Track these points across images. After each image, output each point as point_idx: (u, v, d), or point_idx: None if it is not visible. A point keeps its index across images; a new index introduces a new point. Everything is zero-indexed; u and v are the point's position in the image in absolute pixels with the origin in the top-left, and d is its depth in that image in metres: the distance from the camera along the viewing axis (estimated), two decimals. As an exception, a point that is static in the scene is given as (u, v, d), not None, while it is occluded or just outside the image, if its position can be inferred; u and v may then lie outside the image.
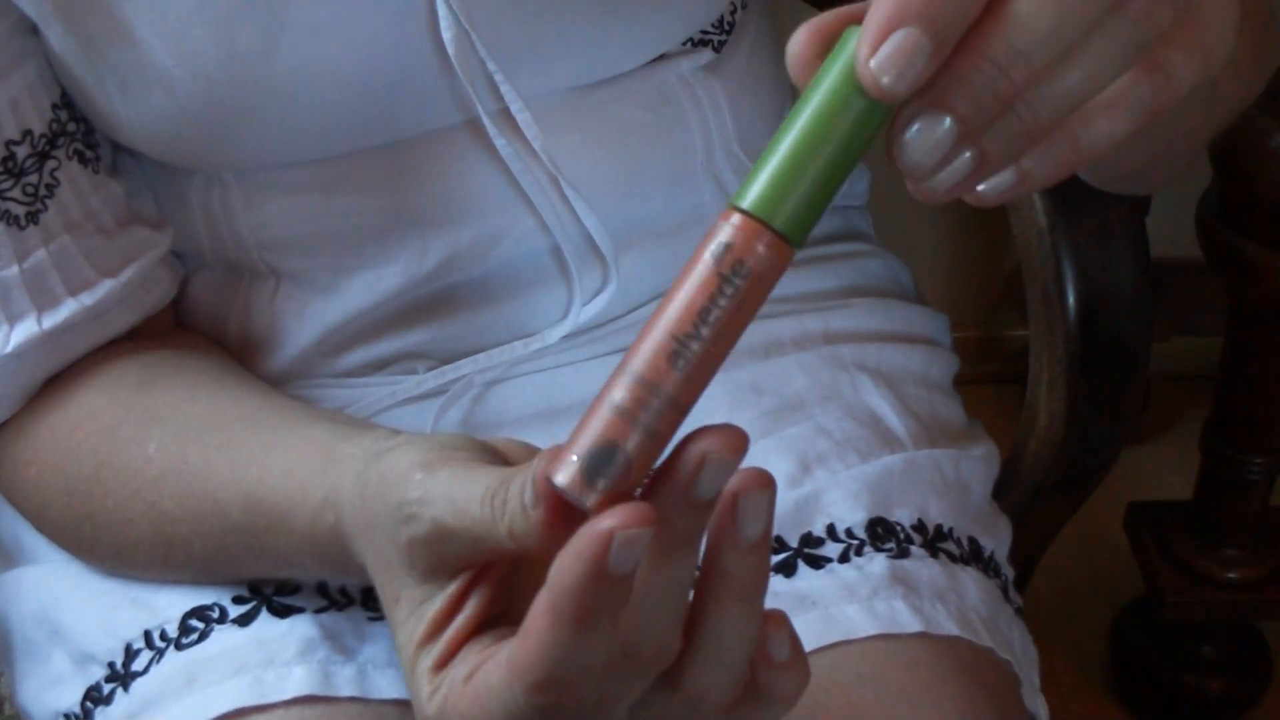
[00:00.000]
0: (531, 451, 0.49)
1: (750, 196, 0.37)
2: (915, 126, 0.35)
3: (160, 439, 0.62)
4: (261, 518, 0.57)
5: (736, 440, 0.37)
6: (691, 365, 0.37)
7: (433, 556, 0.45)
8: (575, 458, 0.37)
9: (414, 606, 0.46)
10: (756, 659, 0.42)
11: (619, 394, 0.37)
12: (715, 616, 0.41)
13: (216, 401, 0.64)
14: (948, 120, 0.35)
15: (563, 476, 0.37)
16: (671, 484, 0.38)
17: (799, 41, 0.37)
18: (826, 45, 0.37)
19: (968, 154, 0.36)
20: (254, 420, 0.61)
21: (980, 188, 0.37)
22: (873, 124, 0.36)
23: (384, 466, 0.48)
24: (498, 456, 0.48)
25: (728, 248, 0.37)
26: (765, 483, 0.39)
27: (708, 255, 0.37)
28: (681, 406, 0.37)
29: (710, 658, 0.41)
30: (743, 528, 0.39)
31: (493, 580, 0.45)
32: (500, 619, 0.46)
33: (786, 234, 0.37)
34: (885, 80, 0.34)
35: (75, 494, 0.64)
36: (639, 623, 0.40)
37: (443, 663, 0.44)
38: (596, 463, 0.37)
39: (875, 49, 0.34)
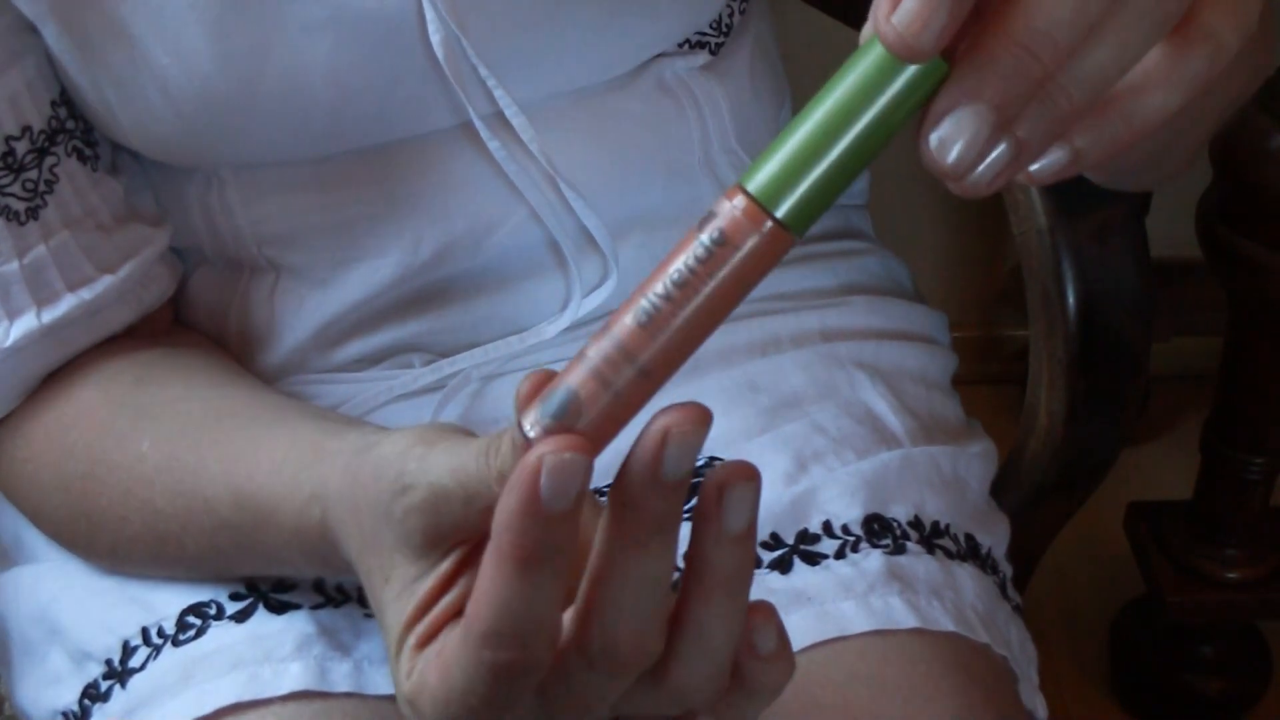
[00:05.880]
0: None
1: (751, 171, 0.36)
2: (949, 121, 0.34)
3: (153, 436, 0.62)
4: (250, 515, 0.57)
5: (698, 414, 0.37)
6: (651, 319, 0.37)
7: (428, 527, 0.44)
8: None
9: (405, 584, 0.45)
10: (742, 651, 0.42)
11: (588, 345, 0.38)
12: (699, 610, 0.40)
13: (209, 399, 0.64)
14: (983, 109, 0.34)
15: (525, 418, 0.38)
16: (638, 465, 0.37)
17: (866, 35, 0.36)
18: None
19: (1004, 144, 0.35)
20: (245, 417, 0.61)
21: (1033, 168, 0.37)
22: (898, 115, 0.35)
23: (377, 453, 0.47)
24: None
25: (710, 213, 0.37)
26: (750, 475, 0.38)
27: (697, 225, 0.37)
28: (630, 354, 0.37)
29: (695, 652, 0.41)
30: (727, 520, 0.38)
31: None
32: None
33: (762, 200, 0.36)
34: (909, 35, 0.33)
35: (71, 491, 0.64)
36: (617, 618, 0.39)
37: (425, 641, 0.44)
38: (546, 399, 0.38)
39: (896, 4, 0.33)
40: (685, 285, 0.36)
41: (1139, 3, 0.34)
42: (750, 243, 0.36)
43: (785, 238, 0.36)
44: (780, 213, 0.36)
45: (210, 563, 0.62)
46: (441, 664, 0.42)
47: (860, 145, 0.36)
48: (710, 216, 0.37)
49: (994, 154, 0.35)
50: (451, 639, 0.42)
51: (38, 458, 0.65)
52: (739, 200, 0.36)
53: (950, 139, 0.34)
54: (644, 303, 0.37)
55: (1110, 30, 0.34)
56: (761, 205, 0.36)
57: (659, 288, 0.37)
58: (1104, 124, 0.36)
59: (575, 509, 0.37)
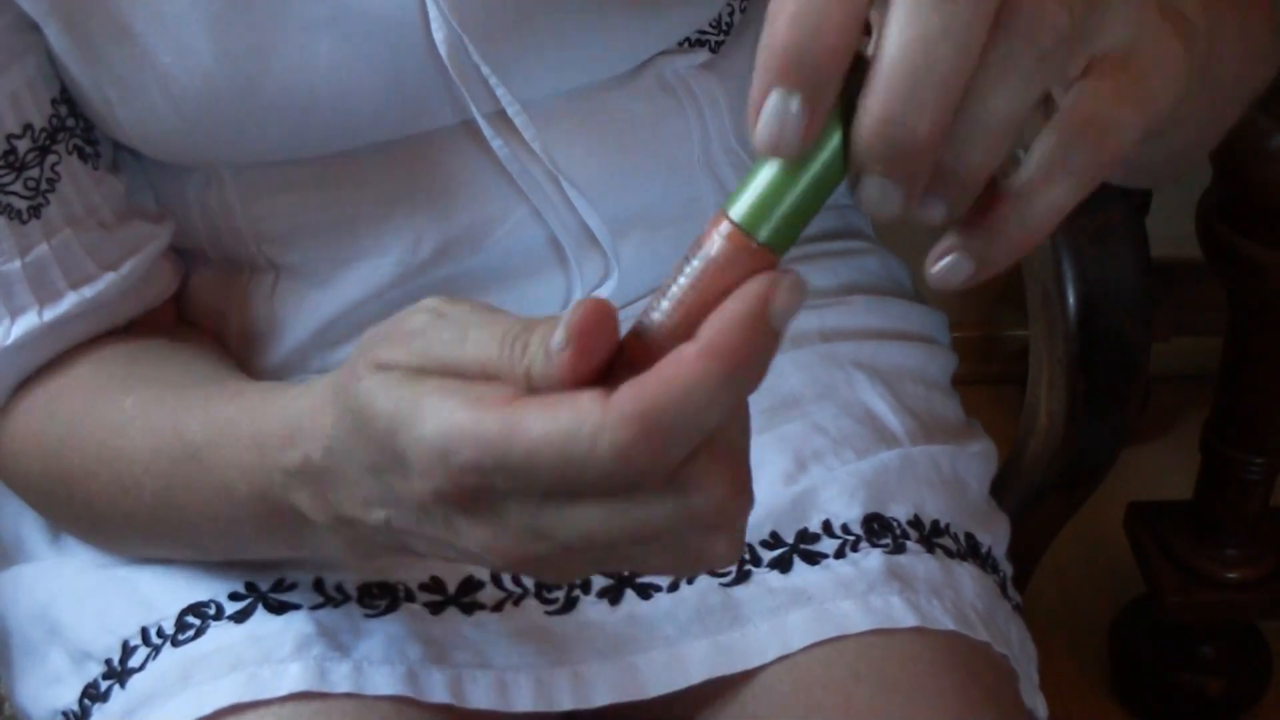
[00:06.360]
0: None
1: (733, 197, 0.38)
2: (861, 183, 0.35)
3: (138, 394, 0.62)
4: (216, 433, 0.56)
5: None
6: (650, 334, 0.39)
7: (429, 357, 0.43)
8: None
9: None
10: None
11: None
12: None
13: (205, 373, 0.65)
14: (879, 180, 0.35)
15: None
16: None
17: None
18: None
19: (934, 199, 0.35)
20: (241, 382, 0.62)
21: (943, 279, 0.37)
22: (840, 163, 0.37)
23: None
24: None
25: (698, 238, 0.38)
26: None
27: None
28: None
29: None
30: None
31: None
32: None
33: (745, 226, 0.37)
34: (769, 144, 0.34)
35: (48, 456, 0.64)
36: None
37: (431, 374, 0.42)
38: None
39: (757, 114, 0.34)
40: (674, 298, 0.39)
41: (1008, 53, 0.34)
42: (711, 242, 0.38)
43: (740, 238, 0.38)
44: (737, 216, 0.38)
45: (165, 511, 0.60)
46: (566, 414, 0.39)
47: (830, 167, 0.37)
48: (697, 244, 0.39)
49: (928, 206, 0.36)
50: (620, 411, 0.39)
51: (23, 431, 0.66)
52: (724, 226, 0.38)
53: (866, 198, 0.35)
54: (642, 318, 0.39)
55: (989, 83, 0.34)
56: (723, 212, 0.38)
57: (656, 303, 0.39)
58: (999, 231, 0.36)
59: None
